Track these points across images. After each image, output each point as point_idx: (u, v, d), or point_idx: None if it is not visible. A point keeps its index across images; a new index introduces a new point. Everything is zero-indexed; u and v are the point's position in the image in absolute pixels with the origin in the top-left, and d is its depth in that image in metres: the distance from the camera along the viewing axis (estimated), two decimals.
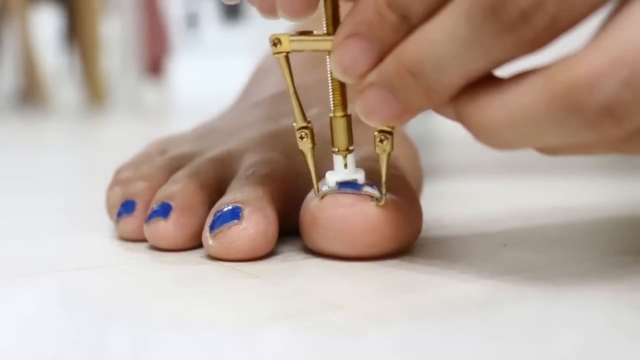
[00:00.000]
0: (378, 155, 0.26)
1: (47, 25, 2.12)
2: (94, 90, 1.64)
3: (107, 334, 0.19)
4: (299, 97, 0.27)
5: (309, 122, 0.27)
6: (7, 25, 1.71)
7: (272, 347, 0.18)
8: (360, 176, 0.26)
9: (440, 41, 0.21)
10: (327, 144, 0.31)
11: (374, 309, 0.22)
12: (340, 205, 0.26)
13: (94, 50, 1.68)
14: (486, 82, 0.21)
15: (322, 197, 0.26)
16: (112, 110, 1.54)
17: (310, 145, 0.27)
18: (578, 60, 0.19)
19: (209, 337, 0.19)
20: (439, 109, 0.23)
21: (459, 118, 0.22)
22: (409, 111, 0.23)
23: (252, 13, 1.46)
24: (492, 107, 0.21)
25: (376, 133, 0.25)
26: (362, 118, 0.23)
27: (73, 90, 1.80)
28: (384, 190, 0.26)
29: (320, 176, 0.28)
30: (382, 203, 0.26)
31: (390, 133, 0.25)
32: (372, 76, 0.23)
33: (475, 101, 0.21)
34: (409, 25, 0.22)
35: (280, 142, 0.32)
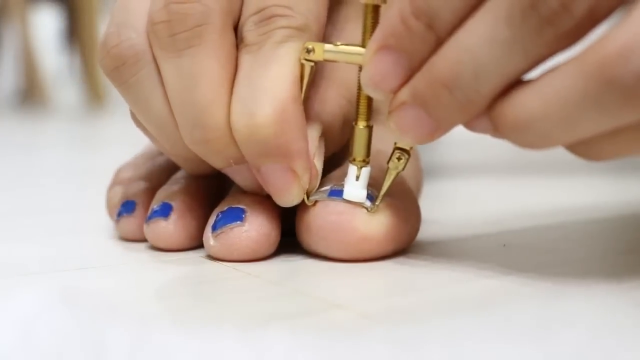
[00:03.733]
0: (388, 168, 0.26)
1: (47, 25, 2.12)
2: (94, 90, 1.64)
3: (107, 334, 0.19)
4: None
5: None
6: (7, 25, 1.71)
7: (272, 347, 0.18)
8: (363, 193, 0.26)
9: (478, 47, 0.20)
10: (329, 133, 0.30)
11: (374, 309, 0.22)
12: (331, 213, 0.26)
13: (94, 50, 1.68)
14: (517, 83, 0.21)
15: (313, 204, 0.26)
16: (112, 110, 1.54)
17: None
18: (609, 37, 0.19)
19: (209, 337, 0.19)
20: (471, 124, 0.22)
21: (493, 121, 0.21)
22: (443, 128, 0.22)
23: None
24: (527, 98, 0.20)
25: (395, 149, 0.25)
26: (394, 136, 0.23)
27: (73, 90, 1.80)
28: (378, 201, 0.26)
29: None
30: (372, 211, 0.26)
31: (409, 153, 0.25)
32: (404, 95, 0.22)
33: (509, 98, 0.21)
34: (436, 35, 0.21)
35: None
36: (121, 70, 0.26)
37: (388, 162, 0.25)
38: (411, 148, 0.25)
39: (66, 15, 1.87)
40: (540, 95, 0.20)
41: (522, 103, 0.21)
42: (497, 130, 0.22)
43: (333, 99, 0.28)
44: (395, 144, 0.25)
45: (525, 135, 0.21)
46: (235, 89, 0.25)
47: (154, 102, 0.26)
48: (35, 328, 0.19)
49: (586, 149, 0.21)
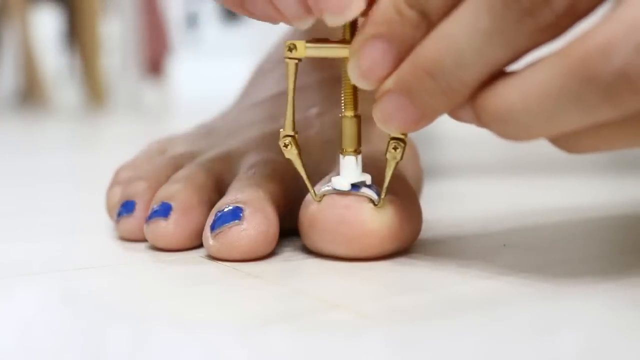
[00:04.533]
0: (387, 160, 0.26)
1: (47, 25, 2.12)
2: (94, 90, 1.64)
3: (107, 334, 0.19)
4: (296, 100, 0.26)
5: (296, 132, 0.27)
6: (7, 25, 1.71)
7: (272, 347, 0.18)
8: (367, 179, 0.26)
9: (460, 36, 0.21)
10: (326, 143, 0.31)
11: (374, 309, 0.22)
12: (338, 207, 0.26)
13: (94, 50, 1.68)
14: (501, 74, 0.21)
15: (320, 199, 0.27)
16: (112, 110, 1.54)
17: (296, 152, 0.27)
18: (592, 32, 0.19)
19: (209, 337, 0.19)
20: (455, 113, 0.22)
21: (475, 111, 0.22)
22: (427, 116, 0.22)
23: None
24: (508, 90, 0.21)
25: (390, 140, 0.25)
26: (379, 125, 0.23)
27: (73, 90, 1.80)
28: (383, 195, 0.26)
29: (317, 179, 0.28)
30: (379, 205, 0.26)
31: (404, 142, 0.25)
32: (389, 83, 0.22)
33: (491, 89, 0.21)
34: (428, 23, 0.22)
35: None
36: None
37: (385, 153, 0.26)
38: (405, 136, 0.25)
39: (66, 15, 1.87)
40: (521, 88, 0.20)
41: (503, 94, 0.21)
42: (479, 121, 0.22)
43: None
44: (388, 135, 0.25)
45: (506, 127, 0.21)
46: None
47: None
48: (35, 328, 0.19)
49: (567, 142, 0.22)
